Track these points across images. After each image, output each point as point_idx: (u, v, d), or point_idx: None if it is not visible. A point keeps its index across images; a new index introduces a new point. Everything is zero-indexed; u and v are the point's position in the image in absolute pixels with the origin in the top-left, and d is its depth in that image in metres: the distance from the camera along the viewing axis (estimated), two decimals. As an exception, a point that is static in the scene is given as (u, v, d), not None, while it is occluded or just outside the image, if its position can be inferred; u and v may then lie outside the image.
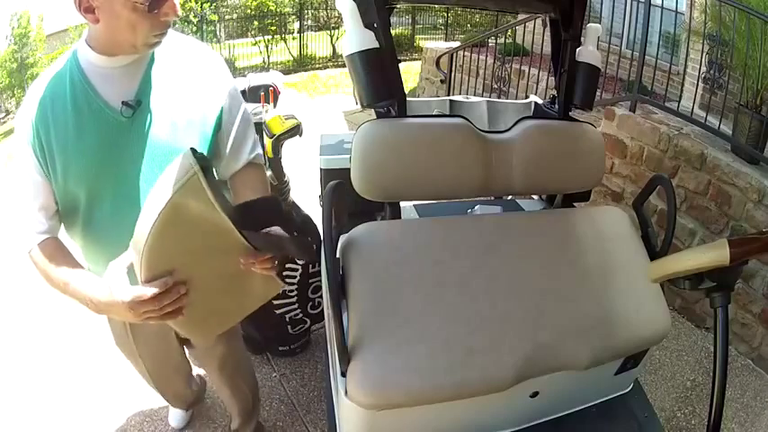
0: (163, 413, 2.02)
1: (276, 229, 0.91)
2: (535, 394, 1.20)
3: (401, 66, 1.32)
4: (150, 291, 0.84)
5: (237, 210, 0.88)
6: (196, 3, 10.02)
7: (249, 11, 11.09)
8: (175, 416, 1.98)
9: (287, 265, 2.05)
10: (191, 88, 1.06)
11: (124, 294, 0.86)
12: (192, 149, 0.81)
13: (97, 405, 2.06)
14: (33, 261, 1.01)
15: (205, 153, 1.04)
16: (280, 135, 1.81)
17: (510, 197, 1.93)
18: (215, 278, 0.92)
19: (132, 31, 0.92)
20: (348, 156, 1.24)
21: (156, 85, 1.03)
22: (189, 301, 0.89)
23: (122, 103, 0.99)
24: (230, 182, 1.20)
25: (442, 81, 4.84)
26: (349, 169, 1.20)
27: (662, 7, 3.33)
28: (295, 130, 1.84)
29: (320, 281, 2.12)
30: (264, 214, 0.93)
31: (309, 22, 12.35)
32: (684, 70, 3.37)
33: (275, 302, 2.10)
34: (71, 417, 1.99)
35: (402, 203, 1.39)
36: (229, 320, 1.10)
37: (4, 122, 13.34)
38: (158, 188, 0.82)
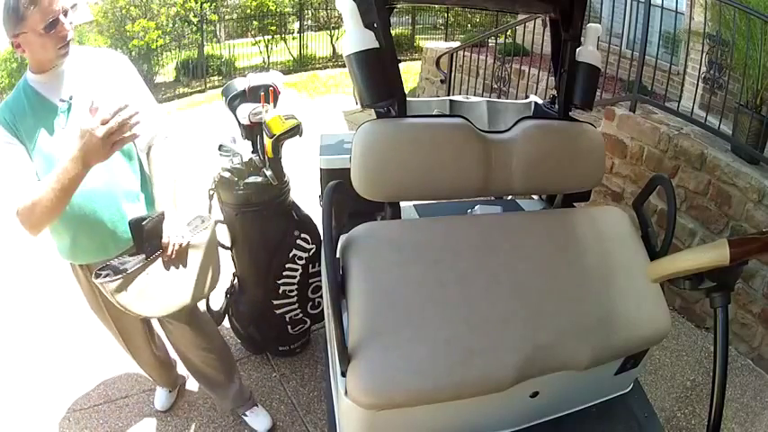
0: (163, 413, 2.02)
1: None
2: (535, 394, 1.20)
3: (401, 66, 1.32)
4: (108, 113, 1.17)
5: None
6: (196, 3, 10.02)
7: (249, 11, 11.08)
8: (160, 398, 2.05)
9: (287, 265, 2.05)
10: (99, 80, 1.42)
11: (92, 122, 1.17)
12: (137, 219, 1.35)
13: (96, 406, 2.06)
14: (20, 214, 1.27)
15: None
16: (280, 135, 1.81)
17: (510, 197, 1.93)
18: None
19: (44, 49, 1.30)
20: (348, 156, 1.24)
21: (78, 83, 1.39)
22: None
23: (60, 100, 1.37)
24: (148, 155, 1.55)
25: (441, 81, 4.83)
26: (349, 169, 1.20)
27: (662, 7, 3.33)
28: (295, 130, 1.84)
29: (320, 281, 2.12)
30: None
31: (309, 22, 12.34)
32: (684, 70, 3.37)
33: (275, 302, 2.10)
34: (68, 418, 1.99)
35: (402, 203, 1.39)
36: (206, 282, 1.58)
37: (4, 122, 13.33)
38: None
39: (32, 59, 1.34)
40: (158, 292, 1.42)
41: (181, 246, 1.45)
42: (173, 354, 1.94)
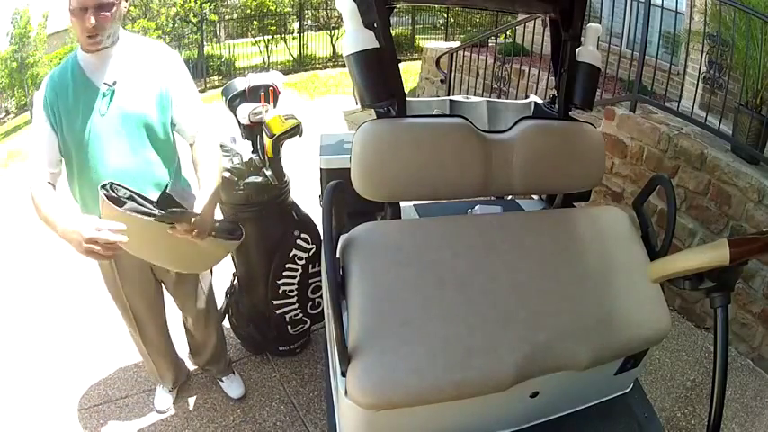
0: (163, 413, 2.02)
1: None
2: (535, 394, 1.20)
3: (401, 66, 1.32)
4: (103, 236, 1.21)
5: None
6: (196, 3, 10.01)
7: (249, 11, 11.07)
8: (160, 398, 2.06)
9: (287, 265, 2.05)
10: (148, 71, 1.47)
11: (84, 228, 1.22)
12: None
13: (96, 406, 2.06)
14: (32, 196, 1.37)
15: (167, 120, 1.51)
16: (280, 135, 1.81)
17: (510, 197, 1.93)
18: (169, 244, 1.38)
19: (77, 30, 1.36)
20: (348, 156, 1.24)
21: (125, 70, 1.44)
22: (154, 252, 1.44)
23: (104, 83, 1.42)
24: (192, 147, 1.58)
25: (441, 81, 4.83)
26: (349, 169, 1.20)
27: (662, 7, 3.33)
28: (295, 130, 1.84)
29: (320, 281, 2.12)
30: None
31: (309, 22, 12.33)
32: (684, 70, 3.37)
33: (275, 302, 2.10)
34: (68, 418, 1.99)
35: (402, 203, 1.39)
36: (195, 267, 1.67)
37: (4, 122, 13.34)
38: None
39: (79, 40, 1.41)
40: (144, 241, 1.40)
41: (199, 236, 1.40)
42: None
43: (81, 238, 1.21)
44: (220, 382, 2.13)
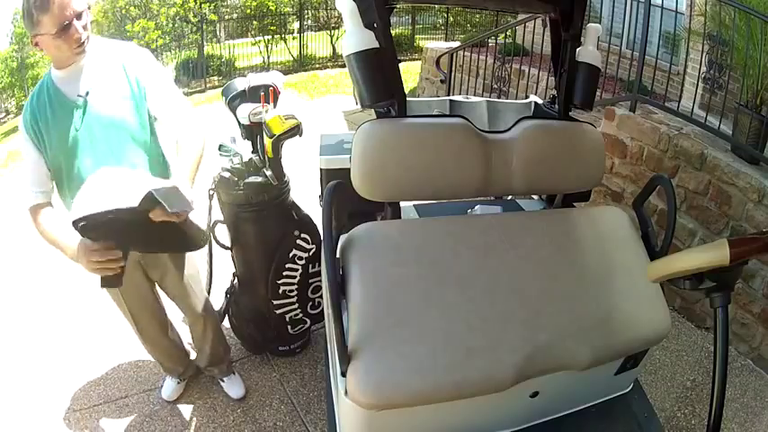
0: (163, 413, 2.02)
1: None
2: (535, 394, 1.20)
3: (401, 66, 1.32)
4: (103, 255, 1.28)
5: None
6: (195, 3, 10.02)
7: (249, 11, 11.07)
8: (167, 388, 2.08)
9: (287, 265, 2.05)
10: (117, 73, 1.49)
11: (86, 251, 1.29)
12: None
13: (96, 406, 2.06)
14: (31, 215, 1.47)
15: (145, 119, 1.52)
16: (280, 135, 1.81)
17: (510, 197, 1.93)
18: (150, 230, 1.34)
19: (59, 50, 1.39)
20: (348, 156, 1.24)
21: (96, 78, 1.47)
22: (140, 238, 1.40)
23: (77, 95, 1.45)
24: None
25: (442, 81, 4.82)
26: (349, 169, 1.20)
27: (662, 7, 3.33)
28: (295, 130, 1.84)
29: (320, 281, 2.12)
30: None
31: (309, 22, 12.33)
32: (684, 70, 3.37)
33: (275, 302, 2.10)
34: (68, 418, 1.99)
35: (402, 203, 1.39)
36: (174, 248, 1.69)
37: (4, 122, 13.34)
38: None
39: (52, 56, 1.43)
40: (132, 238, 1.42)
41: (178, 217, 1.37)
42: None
43: (85, 262, 1.30)
44: (221, 383, 2.14)
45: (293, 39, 11.31)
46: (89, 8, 1.41)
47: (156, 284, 1.85)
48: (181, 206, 1.32)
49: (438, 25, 13.32)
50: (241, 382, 2.16)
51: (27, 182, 1.48)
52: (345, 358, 1.02)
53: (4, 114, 13.69)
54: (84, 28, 1.40)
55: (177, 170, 1.54)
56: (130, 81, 1.50)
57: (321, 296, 2.18)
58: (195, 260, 1.87)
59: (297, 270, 2.08)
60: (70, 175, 1.49)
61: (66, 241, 1.39)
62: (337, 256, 1.13)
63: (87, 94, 1.45)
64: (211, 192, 1.91)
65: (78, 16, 1.36)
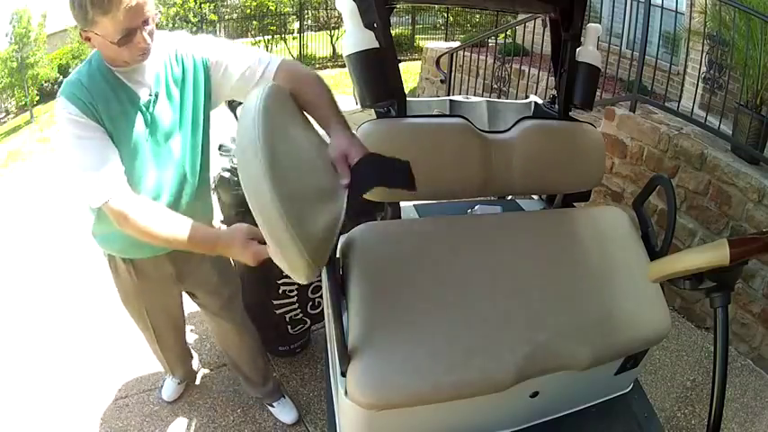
0: (163, 413, 2.02)
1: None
2: (535, 394, 1.20)
3: (401, 66, 1.32)
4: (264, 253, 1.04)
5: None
6: (195, 3, 10.03)
7: (249, 11, 11.09)
8: (168, 389, 2.05)
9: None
10: (175, 65, 1.28)
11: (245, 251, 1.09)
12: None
13: (96, 406, 2.06)
14: (124, 211, 1.16)
15: (203, 105, 1.31)
16: (280, 135, 1.81)
17: (510, 197, 1.93)
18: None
19: (118, 55, 1.16)
20: (348, 156, 1.24)
21: (163, 76, 1.26)
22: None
23: (148, 95, 1.24)
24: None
25: (441, 81, 4.84)
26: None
27: (662, 7, 3.33)
28: (295, 130, 1.84)
29: (320, 281, 2.12)
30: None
31: (309, 22, 12.34)
32: (684, 70, 3.37)
33: (275, 302, 2.10)
34: (68, 418, 1.99)
35: (402, 203, 1.39)
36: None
37: (4, 122, 13.34)
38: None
39: (105, 55, 1.19)
40: None
41: None
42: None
43: (248, 251, 1.09)
44: (271, 408, 2.00)
45: (293, 39, 11.33)
46: (158, 14, 1.19)
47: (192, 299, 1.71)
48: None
49: (438, 25, 13.34)
50: (292, 405, 2.00)
51: (97, 172, 1.16)
52: (345, 358, 1.02)
53: (4, 114, 13.71)
54: (151, 34, 1.16)
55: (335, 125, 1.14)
56: (186, 66, 1.28)
57: (321, 296, 2.18)
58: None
59: (297, 270, 2.08)
60: (132, 170, 1.27)
61: (209, 234, 1.17)
62: (337, 256, 1.14)
63: (157, 94, 1.25)
64: (211, 192, 1.91)
65: (146, 21, 1.13)
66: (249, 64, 1.26)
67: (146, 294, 1.55)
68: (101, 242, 1.45)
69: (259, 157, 0.80)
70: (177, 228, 1.16)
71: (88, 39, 1.14)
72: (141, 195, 1.23)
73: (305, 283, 0.99)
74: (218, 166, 1.91)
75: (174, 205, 1.31)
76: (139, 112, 1.24)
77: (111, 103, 1.20)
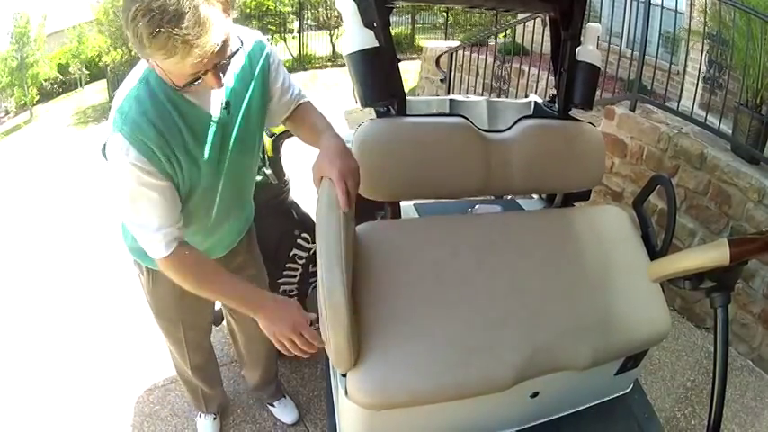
0: (163, 413, 2.02)
1: None
2: (535, 394, 1.20)
3: (401, 65, 1.32)
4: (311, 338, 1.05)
5: None
6: (196, 2, 10.01)
7: (249, 10, 11.09)
8: (204, 428, 1.90)
9: (287, 264, 2.05)
10: (247, 73, 1.16)
11: (299, 321, 1.05)
12: None
13: (96, 406, 2.06)
14: (171, 265, 1.10)
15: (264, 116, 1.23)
16: (280, 134, 1.81)
17: (510, 196, 1.93)
18: None
19: (184, 85, 0.98)
20: (348, 155, 1.24)
21: (232, 84, 1.13)
22: None
23: (219, 108, 1.11)
24: (289, 121, 1.27)
25: (441, 80, 4.83)
26: None
27: (662, 6, 3.33)
28: (295, 130, 1.84)
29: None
30: None
31: (309, 21, 12.34)
32: (684, 70, 3.36)
33: (275, 302, 2.10)
34: (68, 418, 1.99)
35: (402, 203, 1.39)
36: None
37: (4, 122, 13.34)
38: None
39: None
40: None
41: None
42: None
43: (294, 329, 1.05)
44: (271, 408, 1.99)
45: (293, 38, 11.33)
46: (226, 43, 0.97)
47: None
48: None
49: (438, 25, 13.33)
50: (293, 405, 1.99)
51: (156, 222, 1.06)
52: (345, 358, 1.02)
53: (4, 114, 13.71)
54: (224, 69, 1.00)
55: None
56: (256, 76, 1.17)
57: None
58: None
59: (297, 269, 2.08)
60: (196, 207, 1.21)
61: (260, 297, 1.12)
62: None
63: (228, 104, 1.13)
64: None
65: (219, 55, 0.94)
66: (293, 90, 1.23)
67: (185, 306, 1.45)
68: (140, 257, 1.33)
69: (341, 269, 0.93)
70: (222, 289, 1.15)
71: (148, 60, 0.96)
72: (193, 249, 1.14)
73: (343, 371, 1.04)
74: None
75: (232, 205, 1.30)
76: (211, 131, 1.12)
77: (179, 132, 1.05)
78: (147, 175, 1.01)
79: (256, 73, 1.17)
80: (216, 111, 1.12)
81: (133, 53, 9.41)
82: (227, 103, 1.13)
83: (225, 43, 0.95)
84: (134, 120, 0.99)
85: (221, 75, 0.99)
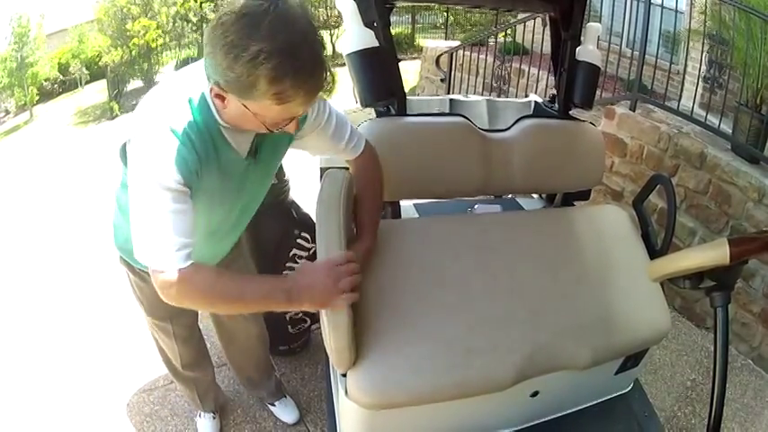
0: (163, 413, 2.02)
1: None
2: (535, 394, 1.20)
3: (401, 65, 1.32)
4: (341, 255, 0.98)
5: None
6: (195, 2, 10.02)
7: (249, 10, 11.08)
8: (206, 428, 1.90)
9: (287, 264, 2.05)
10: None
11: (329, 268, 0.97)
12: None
13: (96, 406, 2.06)
14: (185, 279, 1.00)
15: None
16: (279, 134, 1.81)
17: (510, 196, 1.93)
18: None
19: (252, 127, 0.98)
20: (348, 155, 1.24)
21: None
22: None
23: (248, 154, 1.11)
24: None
25: (441, 80, 4.84)
26: (348, 168, 1.20)
27: (662, 6, 3.33)
28: (295, 130, 1.84)
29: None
30: None
31: (309, 21, 12.34)
32: (684, 69, 3.36)
33: (275, 302, 2.10)
34: (68, 418, 1.99)
35: (402, 203, 1.39)
36: None
37: (4, 122, 13.35)
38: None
39: (233, 121, 1.01)
40: None
41: None
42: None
43: (333, 276, 0.97)
44: (271, 408, 1.98)
45: (293, 38, 11.31)
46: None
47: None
48: None
49: (438, 24, 13.33)
50: (294, 405, 1.98)
51: (177, 235, 1.00)
52: (345, 358, 1.02)
53: (3, 114, 13.71)
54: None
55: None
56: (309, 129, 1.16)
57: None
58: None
59: (297, 269, 2.08)
60: (210, 223, 1.20)
61: (278, 281, 1.04)
62: None
63: (257, 150, 1.12)
64: None
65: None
66: (346, 135, 1.18)
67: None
68: (130, 255, 1.28)
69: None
70: (243, 291, 1.03)
71: (221, 99, 0.93)
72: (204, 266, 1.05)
73: (343, 371, 1.03)
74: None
75: (236, 225, 1.31)
76: (238, 171, 1.12)
77: (212, 165, 1.04)
78: (178, 198, 0.98)
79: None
80: (245, 152, 1.10)
81: (133, 53, 9.42)
82: (257, 149, 1.11)
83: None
84: (181, 138, 0.97)
85: (296, 125, 0.98)
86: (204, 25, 10.19)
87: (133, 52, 9.79)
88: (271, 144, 1.15)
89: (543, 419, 1.32)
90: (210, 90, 0.94)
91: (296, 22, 0.83)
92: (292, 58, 0.81)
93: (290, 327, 2.19)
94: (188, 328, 1.64)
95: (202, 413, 1.90)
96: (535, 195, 1.85)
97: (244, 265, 1.64)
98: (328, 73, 0.89)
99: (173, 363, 1.71)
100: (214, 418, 1.92)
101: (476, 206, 1.66)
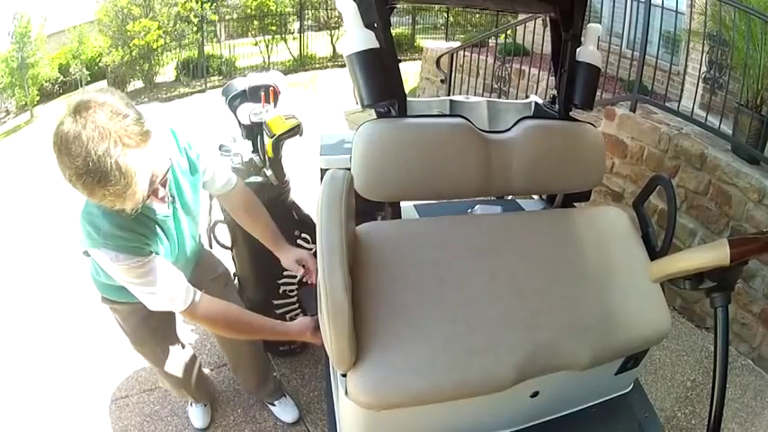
0: (163, 413, 2.02)
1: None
2: (535, 394, 1.20)
3: (401, 66, 1.32)
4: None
5: None
6: (196, 3, 10.03)
7: (249, 11, 11.09)
8: (197, 415, 1.95)
9: (287, 265, 2.05)
10: (185, 161, 1.34)
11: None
12: None
13: (96, 406, 2.06)
14: (198, 309, 1.32)
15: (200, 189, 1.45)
16: (280, 135, 1.81)
17: (510, 197, 1.93)
18: None
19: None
20: (348, 156, 1.24)
21: (174, 180, 1.31)
22: None
23: (167, 207, 1.28)
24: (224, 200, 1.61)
25: (442, 81, 4.84)
26: (349, 169, 1.20)
27: (662, 7, 3.33)
28: (295, 130, 1.84)
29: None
30: None
31: (309, 21, 12.34)
32: (685, 70, 3.37)
33: (275, 302, 2.10)
34: (68, 418, 2.00)
35: (402, 203, 1.39)
36: None
37: (5, 122, 13.34)
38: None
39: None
40: None
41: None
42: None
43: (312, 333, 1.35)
44: (272, 407, 2.01)
45: (293, 39, 11.33)
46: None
47: None
48: None
49: (438, 25, 13.33)
50: (294, 404, 2.01)
51: (173, 283, 1.27)
52: (345, 358, 1.02)
53: (4, 114, 13.71)
54: (165, 183, 1.15)
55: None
56: (190, 158, 1.35)
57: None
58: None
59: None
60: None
61: (281, 329, 1.48)
62: None
63: (174, 200, 1.31)
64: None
65: (151, 184, 1.08)
66: (228, 177, 1.50)
67: (158, 329, 1.64)
68: (113, 293, 1.48)
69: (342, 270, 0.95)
70: (250, 330, 1.43)
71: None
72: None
73: (343, 371, 1.06)
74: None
75: (183, 263, 1.46)
76: (168, 223, 1.32)
77: (150, 227, 1.26)
78: (142, 266, 1.20)
79: (188, 166, 1.35)
80: (164, 209, 1.28)
81: (134, 53, 9.43)
82: (173, 198, 1.31)
83: (153, 177, 1.07)
84: (111, 233, 1.15)
85: (162, 191, 1.14)
86: (205, 26, 10.21)
87: (133, 53, 9.80)
88: (182, 192, 1.35)
89: (543, 420, 1.32)
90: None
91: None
92: (91, 174, 0.98)
93: (290, 327, 2.19)
94: (168, 339, 1.74)
95: (194, 403, 1.96)
96: (535, 196, 1.85)
97: (219, 275, 1.78)
98: (141, 171, 1.03)
99: (157, 363, 1.75)
100: (206, 405, 1.98)
101: (476, 207, 1.66)
